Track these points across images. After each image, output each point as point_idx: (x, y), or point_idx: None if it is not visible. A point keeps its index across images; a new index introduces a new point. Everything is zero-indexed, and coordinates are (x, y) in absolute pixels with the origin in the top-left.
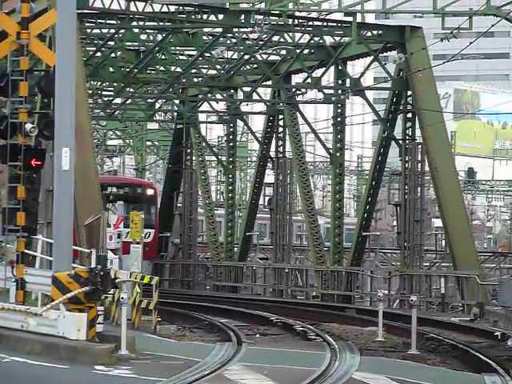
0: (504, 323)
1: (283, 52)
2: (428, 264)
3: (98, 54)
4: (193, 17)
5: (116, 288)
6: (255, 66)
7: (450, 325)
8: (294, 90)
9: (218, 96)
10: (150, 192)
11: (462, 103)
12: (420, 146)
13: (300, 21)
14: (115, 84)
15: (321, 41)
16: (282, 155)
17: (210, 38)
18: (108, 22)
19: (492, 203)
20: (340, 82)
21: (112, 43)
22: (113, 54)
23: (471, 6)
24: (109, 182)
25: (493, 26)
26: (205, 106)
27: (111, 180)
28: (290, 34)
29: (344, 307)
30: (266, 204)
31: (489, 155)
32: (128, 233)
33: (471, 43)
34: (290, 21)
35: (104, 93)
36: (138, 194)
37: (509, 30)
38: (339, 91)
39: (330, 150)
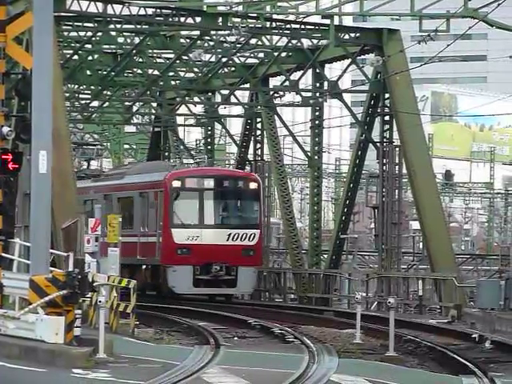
0: (481, 325)
1: (261, 55)
2: (406, 266)
3: (75, 56)
4: (170, 20)
5: (94, 291)
6: (233, 68)
7: (428, 327)
8: (271, 92)
9: (196, 99)
10: (253, 185)
11: (439, 106)
12: (397, 149)
13: (277, 24)
14: (92, 87)
15: (298, 44)
16: (259, 158)
17: (188, 40)
18: (85, 24)
19: (469, 205)
20: (318, 84)
21: (89, 46)
22: (90, 57)
23: (449, 8)
24: (204, 175)
25: (470, 28)
26: (182, 109)
27: (206, 172)
28: (268, 36)
29: (322, 310)
30: None
31: (466, 158)
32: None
33: (448, 45)
34: (268, 24)
35: (81, 96)
36: (239, 189)
37: (486, 33)
38: (317, 94)
39: (308, 153)
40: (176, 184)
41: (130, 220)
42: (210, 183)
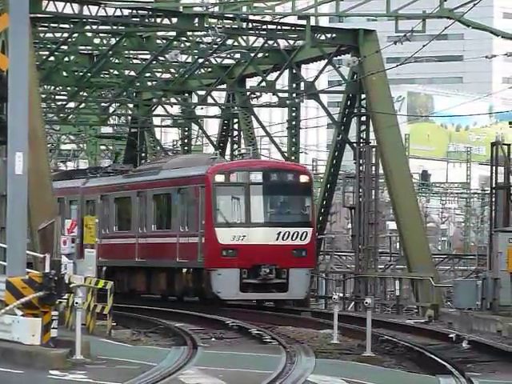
0: (459, 325)
1: (237, 55)
2: (383, 266)
3: (52, 58)
4: (146, 20)
5: (70, 293)
6: (209, 69)
7: (405, 327)
8: (248, 93)
9: (173, 100)
10: (304, 179)
11: (415, 106)
12: (374, 149)
13: (254, 24)
14: (69, 88)
15: (275, 44)
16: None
17: (164, 41)
18: (61, 26)
19: (446, 205)
20: (294, 85)
21: (65, 47)
22: (66, 58)
23: (425, 8)
24: (250, 168)
25: (446, 28)
26: (159, 110)
27: (252, 165)
28: (244, 37)
29: (299, 310)
30: None
31: (443, 158)
32: None
33: (424, 46)
34: (244, 24)
35: (57, 97)
36: (289, 182)
37: (462, 33)
38: (293, 95)
39: (285, 154)
40: (219, 178)
41: (168, 219)
42: (256, 177)
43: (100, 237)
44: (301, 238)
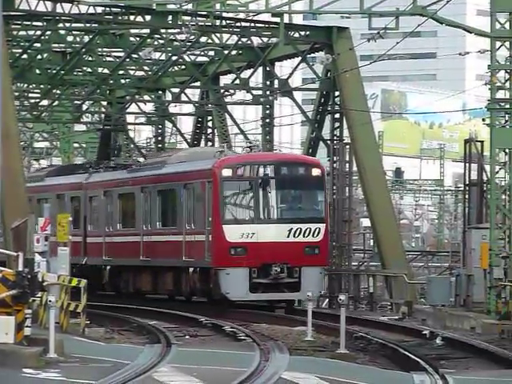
0: (432, 321)
1: (211, 53)
2: (356, 263)
3: (25, 55)
4: (120, 18)
5: (44, 291)
6: (183, 67)
7: (379, 324)
8: (222, 91)
9: (146, 97)
10: (316, 172)
11: (389, 103)
12: (348, 147)
13: (227, 22)
14: (42, 86)
15: (248, 42)
16: None
17: (138, 39)
18: (34, 23)
19: (419, 202)
20: (268, 82)
21: (38, 45)
22: (39, 56)
23: (398, 6)
24: (259, 161)
25: (419, 25)
26: (133, 108)
27: (261, 158)
28: (218, 34)
29: (273, 307)
30: None
31: (416, 155)
32: None
33: (398, 43)
34: (218, 22)
35: (31, 95)
36: (300, 176)
37: (436, 30)
38: (267, 92)
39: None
40: (226, 173)
41: (174, 216)
42: (266, 171)
43: (104, 234)
44: (313, 235)
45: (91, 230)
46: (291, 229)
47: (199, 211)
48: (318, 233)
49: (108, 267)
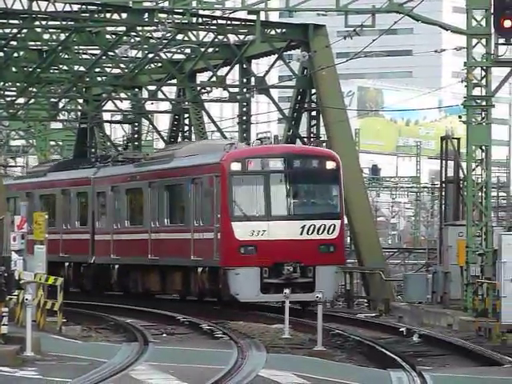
0: (409, 319)
1: (187, 50)
2: None
3: (1, 54)
4: (96, 16)
5: (20, 289)
6: (160, 64)
7: (356, 321)
8: (199, 88)
9: (123, 95)
10: (330, 165)
11: (365, 101)
12: (324, 144)
13: (204, 19)
14: (18, 84)
15: (225, 39)
16: None
17: (114, 36)
18: (10, 21)
19: (396, 200)
20: (245, 80)
21: (14, 43)
22: (15, 54)
23: (374, 3)
24: (270, 154)
25: (395, 22)
26: (109, 105)
27: (272, 150)
28: (194, 32)
29: (251, 305)
30: None
31: (392, 152)
32: None
33: (374, 41)
34: (194, 19)
35: (7, 93)
36: (314, 169)
37: (412, 27)
38: (244, 90)
39: None
40: (235, 166)
41: (182, 212)
42: (277, 164)
43: (112, 232)
44: (328, 232)
45: (99, 228)
46: (304, 225)
47: (207, 207)
48: (334, 230)
49: (116, 266)
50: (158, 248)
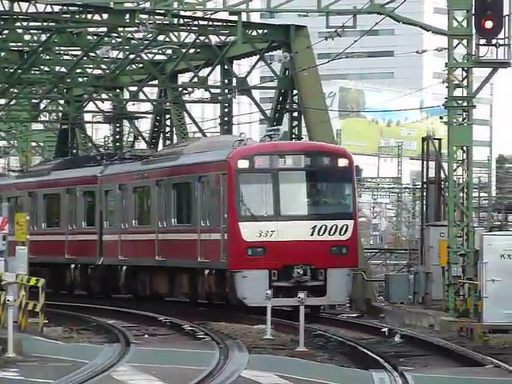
0: (391, 319)
1: (169, 51)
2: None
3: None
4: (77, 16)
5: (2, 290)
6: (141, 65)
7: (338, 321)
8: (180, 89)
9: (104, 96)
10: (343, 163)
11: (347, 101)
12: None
13: (185, 20)
14: None
15: (206, 40)
16: None
17: (95, 37)
18: None
19: (378, 200)
20: (226, 81)
21: None
22: None
23: (355, 4)
24: (278, 151)
25: (377, 23)
26: (90, 106)
27: (281, 147)
28: (176, 33)
29: (232, 305)
30: None
31: (374, 153)
32: None
33: (355, 41)
34: (176, 20)
35: None
36: (325, 167)
37: (393, 28)
38: (226, 90)
39: None
40: (242, 164)
41: (189, 212)
42: (286, 161)
43: (120, 232)
44: (340, 233)
45: (107, 228)
46: (315, 226)
47: (214, 207)
48: (346, 230)
49: (124, 268)
50: (165, 249)
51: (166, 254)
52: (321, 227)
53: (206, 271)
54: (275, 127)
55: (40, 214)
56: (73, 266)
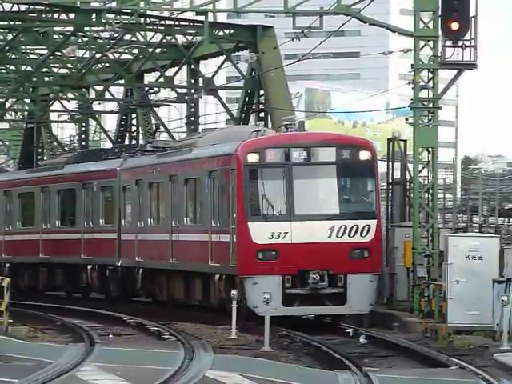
0: (356, 320)
1: (135, 51)
2: None
3: None
4: (44, 16)
5: None
6: (107, 64)
7: (303, 321)
8: (146, 89)
9: (70, 95)
10: (365, 156)
11: (313, 102)
12: None
13: (152, 20)
14: None
15: (173, 40)
16: None
17: (61, 36)
18: None
19: None
20: (193, 81)
21: None
22: None
23: (322, 5)
24: (292, 143)
25: (343, 24)
26: (56, 105)
27: (296, 139)
28: (142, 32)
29: (198, 306)
30: None
31: None
32: None
33: (322, 42)
34: (142, 20)
35: None
36: (344, 161)
37: (359, 29)
38: (192, 90)
39: None
40: (252, 158)
41: (200, 210)
42: (301, 155)
43: (136, 231)
44: (361, 234)
45: (126, 226)
46: (333, 227)
47: (223, 205)
48: (368, 231)
49: (141, 270)
50: (178, 251)
51: (179, 257)
52: (340, 228)
53: (217, 276)
54: (291, 116)
55: (54, 211)
56: (89, 266)
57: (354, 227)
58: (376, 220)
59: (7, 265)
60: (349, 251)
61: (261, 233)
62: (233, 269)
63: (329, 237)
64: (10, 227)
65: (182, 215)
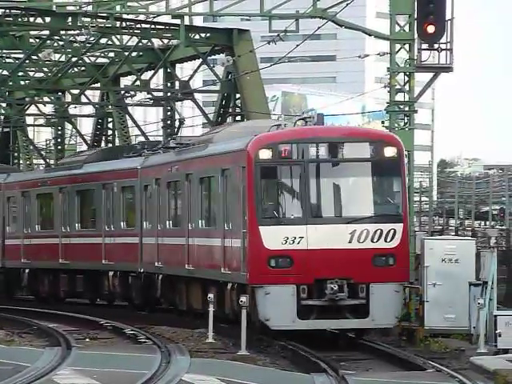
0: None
1: (111, 54)
2: None
3: None
4: (19, 20)
5: None
6: (83, 68)
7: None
8: (122, 92)
9: (46, 99)
10: (390, 152)
11: (289, 105)
12: None
13: (128, 23)
14: None
15: (149, 43)
16: None
17: (37, 40)
18: None
19: None
20: (169, 84)
21: None
22: None
23: (298, 8)
24: (309, 138)
25: (319, 28)
26: (32, 109)
27: (313, 133)
28: (118, 36)
29: (174, 310)
30: None
31: None
32: None
33: (298, 46)
34: (118, 23)
35: None
36: (366, 158)
37: (335, 33)
38: (168, 94)
39: None
40: (264, 155)
41: (213, 212)
42: (319, 151)
43: (156, 235)
44: (386, 239)
45: (147, 229)
46: (355, 231)
47: (234, 207)
48: (393, 236)
49: (160, 276)
50: (194, 256)
51: (195, 263)
52: (361, 232)
53: (229, 285)
54: (310, 109)
55: (73, 213)
56: (111, 273)
57: (378, 231)
58: (402, 224)
59: (26, 270)
60: (372, 258)
61: (273, 237)
62: (243, 277)
63: (349, 242)
64: (28, 230)
65: (198, 217)
